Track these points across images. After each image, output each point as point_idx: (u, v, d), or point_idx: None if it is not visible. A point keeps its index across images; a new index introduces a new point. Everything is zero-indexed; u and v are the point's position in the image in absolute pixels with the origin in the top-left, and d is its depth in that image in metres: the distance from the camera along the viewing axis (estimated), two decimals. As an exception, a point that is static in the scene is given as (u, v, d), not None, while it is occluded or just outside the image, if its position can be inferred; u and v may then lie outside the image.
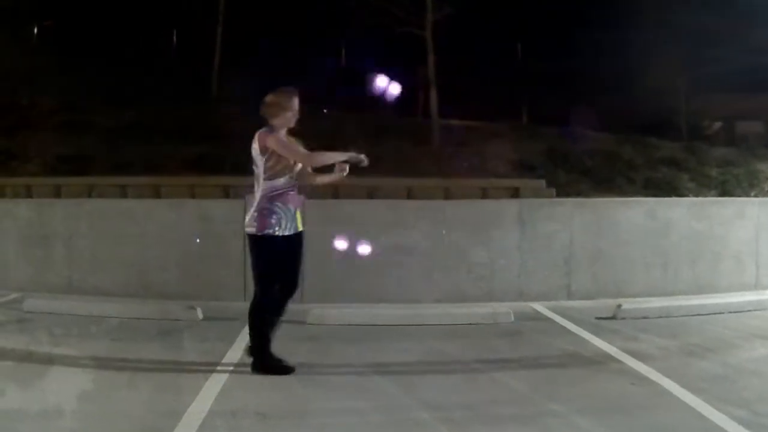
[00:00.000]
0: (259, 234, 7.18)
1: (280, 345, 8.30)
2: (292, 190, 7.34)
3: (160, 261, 11.36)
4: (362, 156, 7.35)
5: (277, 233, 7.17)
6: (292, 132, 7.51)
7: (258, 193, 7.26)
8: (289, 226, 7.25)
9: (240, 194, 11.95)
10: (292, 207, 7.29)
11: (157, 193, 16.38)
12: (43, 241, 11.74)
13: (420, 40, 24.92)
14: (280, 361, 7.27)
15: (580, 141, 23.57)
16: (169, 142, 21.64)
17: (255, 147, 7.24)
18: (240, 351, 8.07)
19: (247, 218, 7.30)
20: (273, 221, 7.15)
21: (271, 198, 7.18)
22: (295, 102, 7.38)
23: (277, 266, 7.33)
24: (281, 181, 7.23)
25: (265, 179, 7.21)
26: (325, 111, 27.23)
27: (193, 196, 15.84)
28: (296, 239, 7.45)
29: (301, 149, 7.31)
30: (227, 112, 23.69)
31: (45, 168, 20.93)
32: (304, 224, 7.49)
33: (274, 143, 7.16)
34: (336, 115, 25.51)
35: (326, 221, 10.98)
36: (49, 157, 21.56)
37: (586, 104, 25.38)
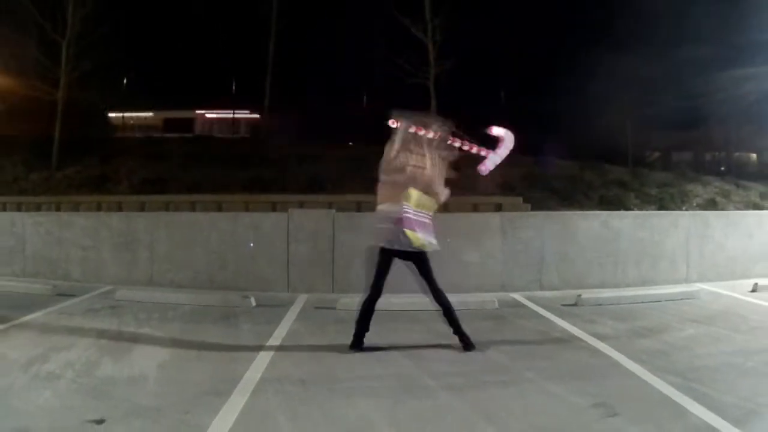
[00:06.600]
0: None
1: (317, 327, 8.38)
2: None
3: (221, 261, 11.40)
4: None
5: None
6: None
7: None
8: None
9: (284, 209, 12.01)
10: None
11: (219, 208, 16.36)
12: (130, 245, 11.81)
13: (425, 88, 25.01)
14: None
15: (550, 167, 23.52)
16: (228, 168, 21.67)
17: None
18: (285, 331, 8.16)
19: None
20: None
21: None
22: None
23: None
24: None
25: None
26: (350, 144, 27.32)
27: (247, 209, 15.79)
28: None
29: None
30: (273, 144, 23.76)
31: (132, 188, 21.01)
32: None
33: None
34: (360, 147, 25.51)
35: (352, 229, 11.00)
36: (135, 179, 21.65)
37: (556, 138, 25.36)
